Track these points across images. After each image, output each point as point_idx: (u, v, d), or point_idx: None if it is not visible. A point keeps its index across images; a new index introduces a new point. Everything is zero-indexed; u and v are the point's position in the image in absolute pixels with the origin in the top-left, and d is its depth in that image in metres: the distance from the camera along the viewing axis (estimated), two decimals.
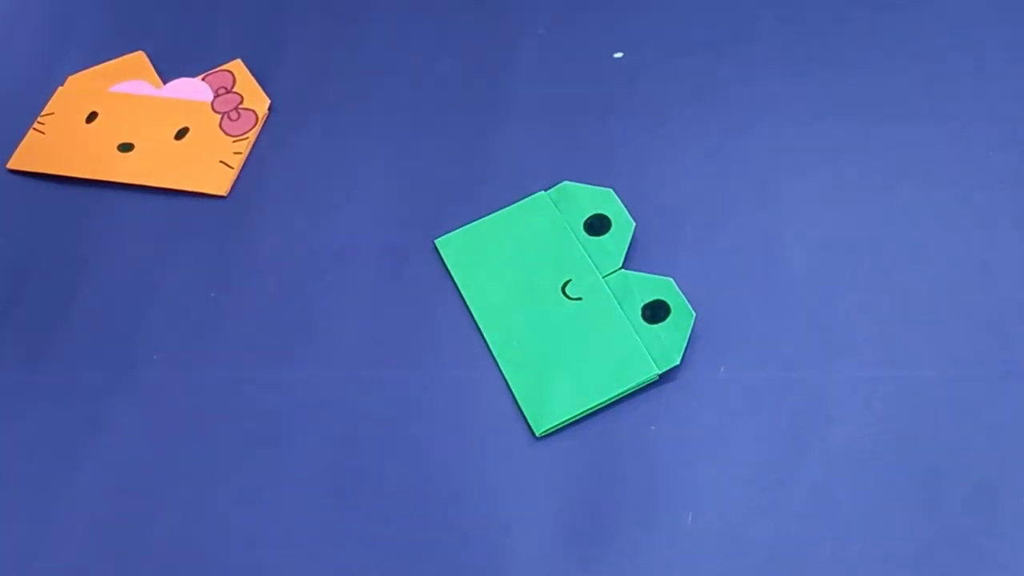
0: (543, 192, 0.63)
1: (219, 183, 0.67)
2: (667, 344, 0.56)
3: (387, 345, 0.59)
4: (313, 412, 0.57)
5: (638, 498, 0.52)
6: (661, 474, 0.53)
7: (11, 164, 0.70)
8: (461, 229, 0.63)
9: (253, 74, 0.73)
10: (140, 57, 0.75)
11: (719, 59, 0.69)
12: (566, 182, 0.64)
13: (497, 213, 0.63)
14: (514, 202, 0.64)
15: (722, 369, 0.56)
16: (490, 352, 0.58)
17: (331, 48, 0.74)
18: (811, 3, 0.71)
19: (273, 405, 0.58)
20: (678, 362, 0.56)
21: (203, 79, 0.73)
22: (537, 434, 0.55)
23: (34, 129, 0.72)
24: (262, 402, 0.58)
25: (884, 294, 0.58)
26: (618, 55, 0.70)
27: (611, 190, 0.62)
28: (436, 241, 0.62)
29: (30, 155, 0.70)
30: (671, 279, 0.58)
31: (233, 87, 0.72)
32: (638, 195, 0.63)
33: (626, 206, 0.62)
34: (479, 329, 0.59)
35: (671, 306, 0.57)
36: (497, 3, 0.74)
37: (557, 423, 0.55)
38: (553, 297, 0.59)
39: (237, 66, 0.73)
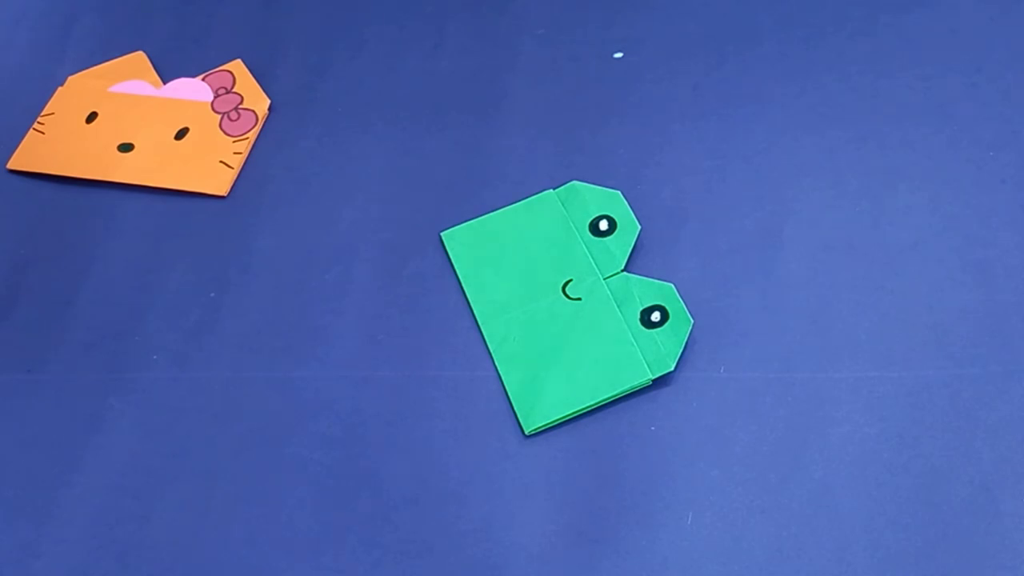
0: (551, 190, 0.64)
1: (219, 183, 0.67)
2: (663, 350, 0.56)
3: (387, 345, 0.59)
4: (313, 411, 0.57)
5: (638, 498, 0.52)
6: (661, 474, 0.53)
7: (11, 164, 0.70)
8: (467, 223, 0.63)
9: (253, 74, 0.73)
10: (140, 57, 0.75)
11: (719, 59, 0.69)
12: (575, 181, 0.64)
13: (504, 209, 0.63)
14: (512, 202, 0.64)
15: (722, 369, 0.56)
16: (487, 348, 0.58)
17: (331, 48, 0.74)
18: (811, 3, 0.71)
19: (273, 405, 0.58)
20: (672, 368, 0.56)
21: (203, 79, 0.73)
22: (526, 432, 0.55)
23: (34, 129, 0.72)
24: (261, 402, 0.58)
25: (884, 294, 0.58)
26: (618, 55, 0.70)
27: (619, 192, 0.62)
28: (442, 234, 0.63)
29: (30, 155, 0.70)
30: (672, 285, 0.58)
31: (233, 87, 0.72)
32: (638, 195, 0.63)
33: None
34: (478, 324, 0.59)
35: (670, 312, 0.57)
36: (497, 3, 0.74)
37: (546, 422, 0.55)
38: (553, 296, 0.59)
39: (237, 66, 0.73)
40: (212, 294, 0.63)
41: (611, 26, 0.72)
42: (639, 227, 0.61)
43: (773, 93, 0.67)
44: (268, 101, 0.71)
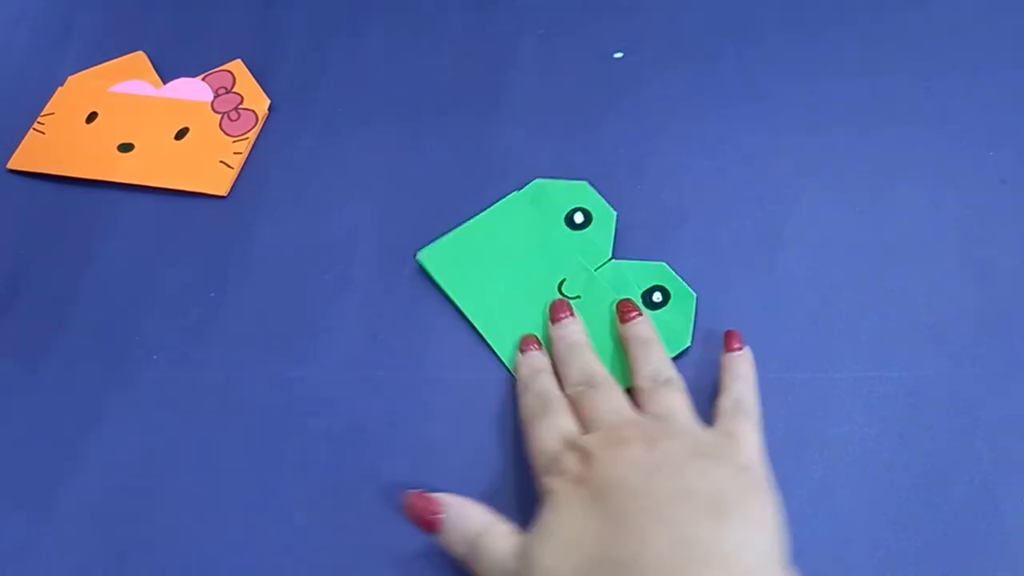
0: (516, 192, 0.63)
1: (219, 183, 0.67)
2: (674, 328, 0.56)
3: (387, 345, 0.59)
4: (313, 411, 0.57)
5: None
6: None
7: (11, 164, 0.70)
8: (440, 240, 0.61)
9: (253, 74, 0.73)
10: (140, 57, 0.75)
11: (719, 59, 0.69)
12: (537, 179, 0.63)
13: (473, 219, 0.62)
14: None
15: None
16: (495, 355, 0.58)
17: (331, 48, 0.74)
18: (811, 3, 0.71)
19: (273, 405, 0.58)
20: (689, 343, 0.56)
21: (203, 79, 0.73)
22: None
23: (34, 129, 0.72)
24: (261, 402, 0.58)
25: (884, 294, 0.58)
26: (618, 55, 0.70)
27: (585, 182, 0.62)
28: (418, 256, 0.61)
29: (30, 155, 0.70)
30: (663, 263, 0.58)
31: (233, 87, 0.72)
32: (638, 195, 0.63)
33: (625, 206, 0.62)
34: (484, 340, 0.58)
35: (670, 290, 0.57)
36: (497, 3, 0.74)
37: None
38: (551, 297, 0.59)
39: (237, 66, 0.73)
40: (212, 294, 0.63)
41: (611, 26, 0.72)
42: (615, 213, 0.61)
43: (773, 93, 0.67)
44: (268, 101, 0.71)
